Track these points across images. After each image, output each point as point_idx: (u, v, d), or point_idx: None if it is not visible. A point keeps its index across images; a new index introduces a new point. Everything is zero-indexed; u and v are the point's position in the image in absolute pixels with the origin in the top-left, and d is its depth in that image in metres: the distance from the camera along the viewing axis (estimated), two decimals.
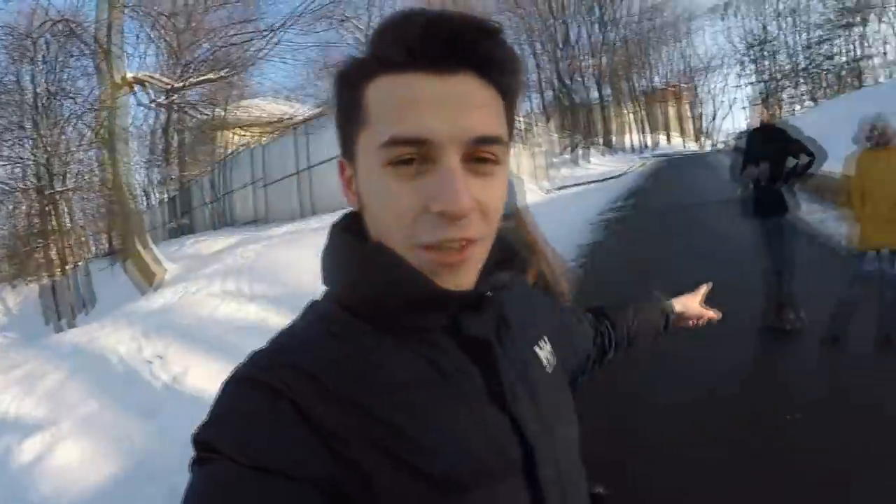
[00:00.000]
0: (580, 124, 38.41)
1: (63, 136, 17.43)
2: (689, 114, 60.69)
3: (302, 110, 19.30)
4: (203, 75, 13.19)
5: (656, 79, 54.79)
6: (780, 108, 44.38)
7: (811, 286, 5.47)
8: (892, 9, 36.36)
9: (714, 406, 3.81)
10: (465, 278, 0.61)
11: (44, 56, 15.89)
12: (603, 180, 23.50)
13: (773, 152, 5.06)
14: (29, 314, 19.91)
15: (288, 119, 17.35)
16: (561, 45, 40.68)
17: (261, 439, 0.51)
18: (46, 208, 18.08)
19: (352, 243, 0.63)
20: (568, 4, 40.76)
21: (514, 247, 0.73)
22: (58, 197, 18.11)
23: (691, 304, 1.30)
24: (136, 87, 11.41)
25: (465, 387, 0.61)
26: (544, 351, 0.78)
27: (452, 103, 0.57)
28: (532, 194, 17.92)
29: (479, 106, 0.58)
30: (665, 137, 54.69)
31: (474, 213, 0.57)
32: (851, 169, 4.76)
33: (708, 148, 34.07)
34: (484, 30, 0.58)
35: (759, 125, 5.26)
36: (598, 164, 33.94)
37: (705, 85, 58.76)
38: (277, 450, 0.50)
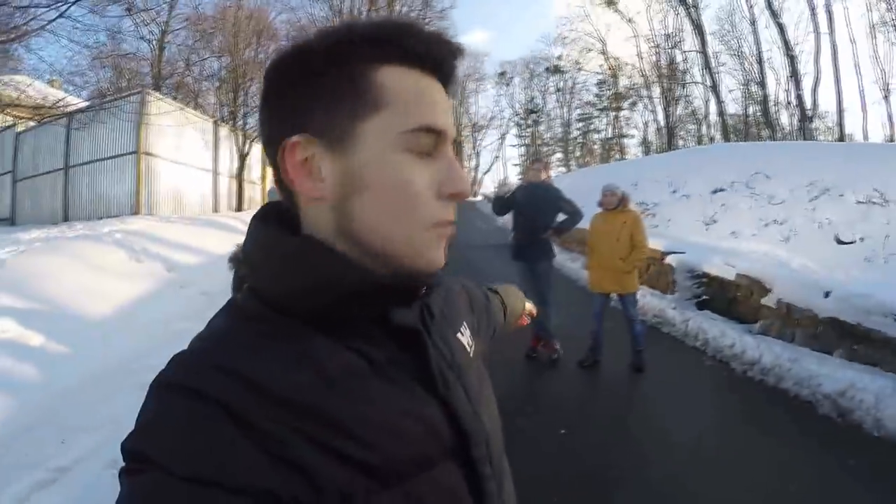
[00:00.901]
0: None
1: None
2: (461, 165, 65.01)
3: (72, 100, 17.07)
4: None
5: None
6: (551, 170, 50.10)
7: (572, 322, 6.64)
8: (645, 100, 43.15)
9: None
10: (444, 253, 0.68)
11: None
12: None
13: (542, 206, 5.89)
14: None
15: (61, 105, 15.37)
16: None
17: (193, 448, 0.50)
18: None
19: (281, 236, 0.64)
20: None
21: None
22: None
23: (510, 315, 1.41)
24: None
25: (398, 376, 0.64)
26: (465, 337, 0.82)
27: (449, 107, 0.67)
28: None
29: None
30: None
31: None
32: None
33: (479, 197, 36.89)
34: (459, 51, 0.69)
35: (534, 181, 6.03)
36: None
37: (480, 141, 63.48)
38: (211, 459, 0.50)
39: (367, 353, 0.62)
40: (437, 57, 0.66)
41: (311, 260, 0.61)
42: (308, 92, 0.63)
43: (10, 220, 15.68)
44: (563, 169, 50.24)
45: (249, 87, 23.46)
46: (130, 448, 0.52)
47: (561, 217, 6.03)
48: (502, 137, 61.90)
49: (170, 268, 8.72)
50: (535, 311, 1.59)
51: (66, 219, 13.88)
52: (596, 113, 50.45)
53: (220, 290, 6.73)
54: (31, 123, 15.54)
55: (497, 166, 61.35)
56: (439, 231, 0.66)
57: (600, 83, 48.95)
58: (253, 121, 22.23)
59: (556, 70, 52.51)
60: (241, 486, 0.49)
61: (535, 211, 5.89)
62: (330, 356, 0.59)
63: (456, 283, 0.98)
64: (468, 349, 0.81)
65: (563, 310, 6.49)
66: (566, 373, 5.71)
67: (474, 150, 64.44)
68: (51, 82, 20.15)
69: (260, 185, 22.45)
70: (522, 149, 56.95)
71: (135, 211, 12.90)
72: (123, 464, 0.52)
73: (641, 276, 6.90)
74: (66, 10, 11.13)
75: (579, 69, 50.19)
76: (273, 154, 0.65)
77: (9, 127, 16.20)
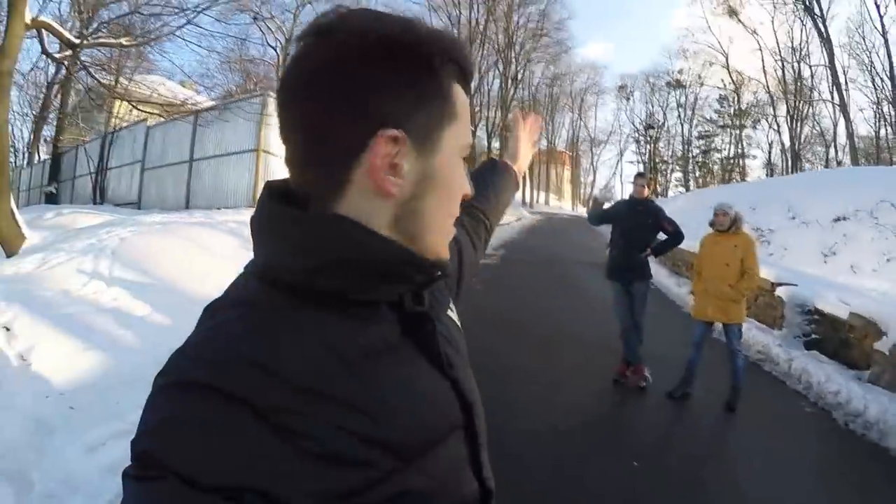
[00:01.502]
0: (469, 171, 39.34)
1: None
2: (578, 179, 64.07)
3: (200, 99, 18.39)
4: (108, 38, 12.59)
5: (551, 142, 57.56)
6: (657, 188, 48.42)
7: (668, 349, 6.35)
8: (770, 118, 40.54)
9: (565, 449, 4.23)
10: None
11: None
12: None
13: (641, 223, 5.61)
14: None
15: (190, 104, 16.37)
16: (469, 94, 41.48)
17: (217, 453, 0.48)
18: None
19: (302, 215, 0.62)
20: (480, 56, 42.00)
21: None
22: None
23: (521, 148, 1.42)
24: (38, 32, 10.70)
25: (410, 357, 0.67)
26: (454, 314, 0.86)
27: None
28: None
29: None
30: (549, 196, 57.36)
31: None
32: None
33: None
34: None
35: (636, 197, 5.76)
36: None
37: (598, 156, 62.40)
38: (238, 464, 0.48)
39: (383, 336, 0.64)
40: (471, 75, 0.72)
41: (348, 234, 0.60)
42: (404, 89, 0.62)
43: (137, 205, 16.89)
44: (681, 189, 48.55)
45: None
46: (145, 450, 0.50)
47: (662, 237, 5.79)
48: (621, 153, 60.52)
49: None
50: (532, 123, 1.47)
51: (187, 207, 14.68)
52: (717, 131, 48.36)
53: None
54: (161, 119, 16.79)
55: (615, 182, 60.07)
56: (452, 224, 0.73)
57: (722, 99, 46.91)
58: None
59: (677, 84, 50.97)
60: (271, 490, 0.48)
61: (633, 228, 5.64)
62: (349, 340, 0.60)
63: None
64: (458, 323, 0.85)
65: (658, 335, 6.21)
66: (653, 402, 5.40)
67: (592, 165, 63.60)
68: (182, 83, 21.64)
69: None
70: (640, 165, 55.32)
71: (251, 204, 13.44)
72: (131, 464, 0.50)
73: (749, 307, 6.45)
74: (193, 18, 11.96)
75: (701, 84, 48.57)
76: (342, 141, 0.61)
77: (140, 121, 17.51)
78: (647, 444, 4.47)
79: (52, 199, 20.92)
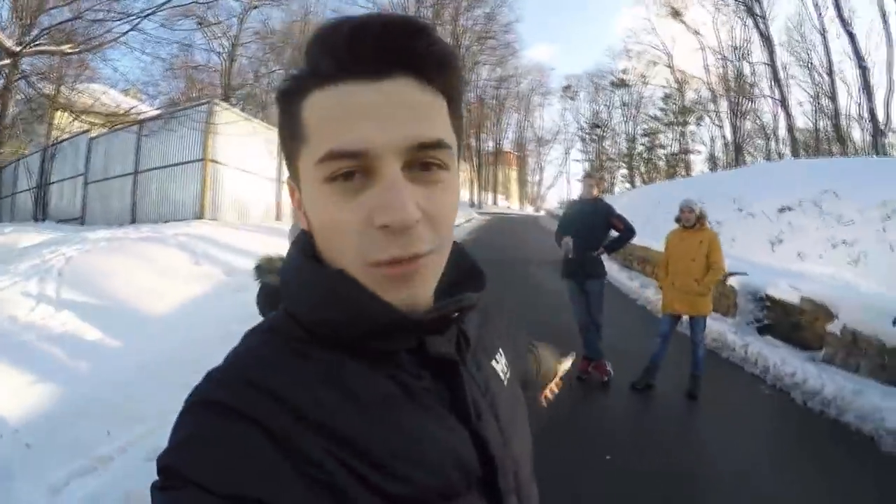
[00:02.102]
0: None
1: None
2: (526, 179, 64.84)
3: (144, 108, 17.92)
4: (52, 46, 12.20)
5: (497, 142, 58.14)
6: (604, 185, 49.40)
7: (626, 342, 6.46)
8: (712, 115, 41.88)
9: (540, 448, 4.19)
10: (420, 290, 0.60)
11: None
12: None
13: (594, 222, 5.69)
14: None
15: (134, 113, 15.95)
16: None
17: (233, 466, 0.50)
18: None
19: (312, 267, 0.61)
20: None
21: (475, 262, 0.73)
22: None
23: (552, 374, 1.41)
24: None
25: (431, 406, 0.62)
26: (500, 364, 0.77)
27: (389, 110, 0.55)
28: None
29: (418, 109, 0.57)
30: (497, 196, 58.01)
31: (422, 224, 0.57)
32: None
33: (541, 213, 36.73)
34: (414, 28, 0.57)
35: (587, 197, 5.85)
36: None
37: (545, 155, 63.22)
38: (251, 477, 0.49)
39: (401, 381, 0.61)
40: (361, 57, 0.56)
41: (342, 295, 0.58)
42: (281, 135, 0.64)
43: (81, 220, 16.31)
44: (626, 185, 49.43)
45: None
46: (167, 465, 0.51)
47: (613, 234, 5.87)
48: (567, 152, 61.44)
49: (228, 272, 8.86)
50: (569, 372, 1.54)
51: (133, 221, 14.28)
52: (661, 128, 49.13)
53: None
54: (104, 129, 16.32)
55: (561, 181, 60.91)
56: (382, 271, 0.57)
57: (666, 97, 47.60)
58: None
59: (622, 84, 51.69)
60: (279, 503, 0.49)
61: (585, 228, 5.68)
62: (365, 383, 0.58)
63: (500, 313, 0.91)
64: (502, 376, 0.76)
65: (616, 329, 6.30)
66: (617, 396, 5.50)
67: (538, 164, 64.28)
68: (126, 92, 21.12)
69: None
70: (587, 164, 56.13)
71: (199, 216, 13.24)
72: (157, 479, 0.52)
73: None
74: (137, 24, 11.70)
75: (645, 83, 49.44)
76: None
77: (83, 132, 16.96)
78: (617, 437, 4.56)
79: None
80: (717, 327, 7.60)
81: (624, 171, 53.49)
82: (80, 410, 4.14)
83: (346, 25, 0.55)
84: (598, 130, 55.06)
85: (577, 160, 59.97)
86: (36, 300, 6.27)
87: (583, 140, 58.26)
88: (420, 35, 0.57)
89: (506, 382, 0.76)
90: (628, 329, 6.93)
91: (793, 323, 6.98)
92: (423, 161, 0.57)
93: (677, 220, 5.55)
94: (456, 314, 0.65)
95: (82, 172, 16.81)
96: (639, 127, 51.75)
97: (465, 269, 0.71)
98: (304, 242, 0.66)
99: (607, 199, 8.83)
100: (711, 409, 5.24)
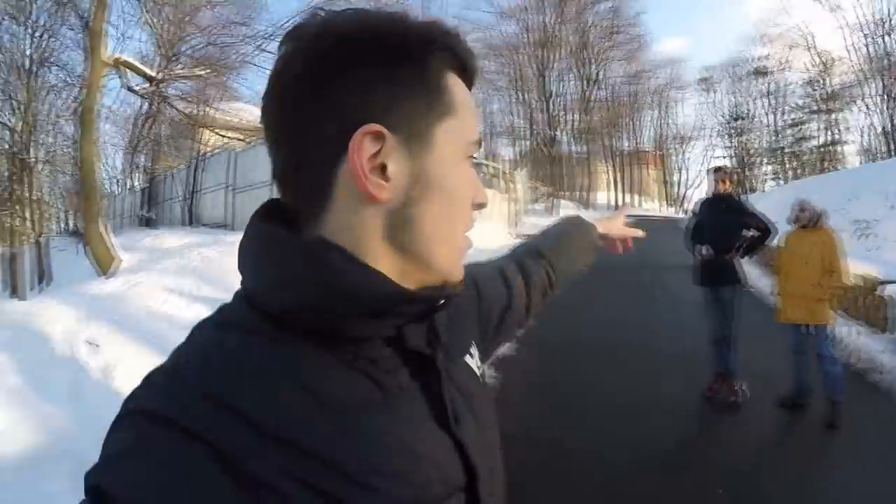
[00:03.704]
0: (557, 176, 38.98)
1: (43, 106, 17.32)
2: (666, 178, 62.00)
3: None
4: (187, 71, 13.24)
5: (636, 141, 56.04)
6: (748, 183, 46.39)
7: (766, 360, 5.73)
8: (868, 99, 37.42)
9: (648, 476, 3.90)
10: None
11: (33, 21, 15.74)
12: None
13: (725, 222, 5.17)
14: None
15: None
16: (547, 97, 41.58)
17: (170, 492, 0.44)
18: (13, 175, 17.71)
19: (289, 238, 0.55)
20: (556, 58, 41.61)
21: None
22: (33, 165, 17.87)
23: (614, 226, 1.30)
24: (120, 70, 11.37)
25: (409, 408, 0.58)
26: (475, 359, 0.76)
27: None
28: (504, 237, 18.07)
29: None
30: (641, 199, 55.86)
31: None
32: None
33: (683, 214, 34.81)
34: None
35: (715, 194, 5.32)
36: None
37: (686, 153, 60.15)
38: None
39: (378, 380, 0.56)
40: (474, 68, 0.64)
41: (331, 267, 0.53)
42: (383, 83, 0.55)
43: (230, 226, 17.50)
44: (772, 183, 46.09)
45: None
46: (95, 484, 0.46)
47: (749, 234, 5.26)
48: (708, 149, 57.92)
49: None
50: (638, 234, 1.37)
51: None
52: (807, 117, 44.95)
53: None
54: (247, 143, 17.56)
55: (705, 180, 57.47)
56: (468, 240, 0.64)
57: (809, 82, 43.55)
58: None
59: (761, 72, 47.86)
60: None
61: (717, 229, 5.18)
62: (337, 384, 0.53)
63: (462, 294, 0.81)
64: (477, 371, 0.75)
65: (756, 345, 5.74)
66: (745, 421, 4.87)
67: (679, 163, 61.32)
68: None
69: None
70: (730, 160, 51.82)
71: None
72: (85, 499, 0.46)
73: (846, 307, 5.84)
74: (261, 45, 12.55)
75: (786, 69, 45.60)
76: (321, 145, 0.55)
77: (227, 147, 18.39)
78: (735, 469, 4.01)
79: (148, 222, 22.07)
80: (868, 344, 6.66)
81: (770, 167, 49.92)
82: None
83: (458, 33, 0.62)
84: (740, 123, 51.50)
85: (720, 157, 56.09)
86: (173, 294, 6.72)
87: (724, 135, 54.68)
88: None
89: (480, 379, 0.75)
90: (769, 345, 5.94)
91: None
92: None
93: (793, 220, 5.08)
94: (441, 302, 0.61)
95: (229, 183, 18.12)
96: (783, 118, 47.91)
97: None
98: (271, 210, 0.61)
99: (754, 198, 8.15)
100: (853, 445, 4.39)
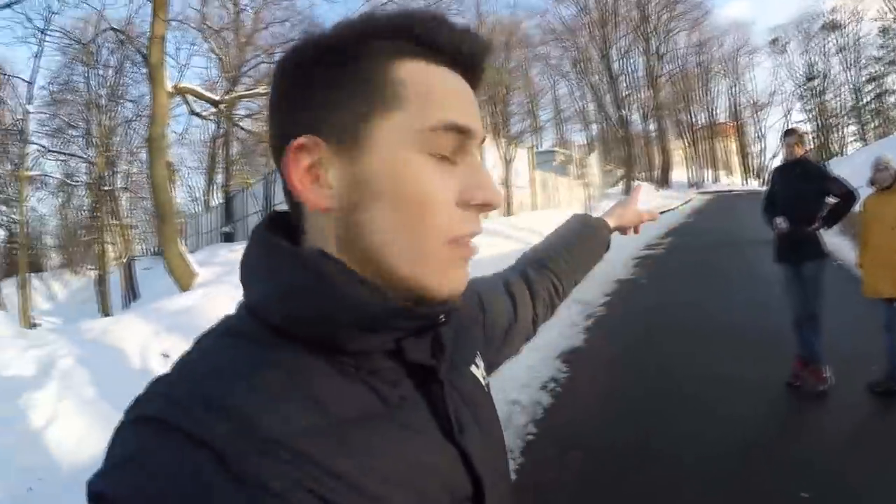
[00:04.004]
0: (631, 157, 38.10)
1: (117, 138, 18.47)
2: (746, 150, 59.48)
3: None
4: (247, 90, 13.75)
5: (710, 114, 53.97)
6: (830, 146, 43.86)
7: (855, 341, 5.34)
8: None
9: (722, 476, 3.55)
10: (468, 274, 0.61)
11: (102, 61, 16.84)
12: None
13: (802, 190, 4.69)
14: (74, 303, 20.84)
15: None
16: (613, 77, 40.80)
17: (174, 500, 0.43)
18: (96, 204, 18.92)
19: (288, 249, 0.55)
20: (617, 36, 40.72)
21: None
22: (117, 194, 19.06)
23: (628, 212, 1.26)
24: (185, 97, 11.93)
25: (412, 419, 0.57)
26: (480, 369, 0.75)
27: (476, 106, 0.60)
28: None
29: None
30: (718, 174, 53.86)
31: None
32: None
33: (766, 186, 33.06)
34: (492, 57, 0.66)
35: (789, 159, 4.83)
36: (646, 200, 33.07)
37: (763, 120, 57.55)
38: None
39: (379, 391, 0.55)
40: (465, 52, 0.59)
41: (326, 280, 0.52)
42: (318, 89, 0.55)
43: None
44: (857, 145, 43.32)
45: (507, 95, 25.05)
46: (98, 491, 0.45)
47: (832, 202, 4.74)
48: (786, 114, 55.14)
49: None
50: (652, 216, 1.30)
51: None
52: (885, 70, 41.87)
53: None
54: None
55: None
56: (461, 247, 0.57)
57: (884, 31, 40.77)
58: (514, 129, 23.20)
59: (833, 26, 45.33)
60: None
61: (795, 198, 4.67)
62: (340, 395, 0.52)
63: (466, 302, 0.78)
64: (483, 381, 0.74)
65: (844, 325, 5.34)
66: (833, 412, 4.36)
67: (757, 133, 58.78)
68: None
69: (529, 189, 23.06)
70: (809, 124, 48.73)
71: None
72: None
73: None
74: None
75: (859, 19, 42.98)
76: (278, 158, 0.57)
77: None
78: (822, 469, 3.51)
79: (228, 237, 23.03)
80: None
81: (853, 127, 47.03)
82: None
83: (464, 26, 0.59)
84: (815, 83, 48.69)
85: (800, 121, 53.23)
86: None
87: (801, 98, 51.88)
88: (489, 55, 0.62)
89: (486, 388, 0.74)
90: (858, 323, 5.55)
91: None
92: None
93: (871, 181, 4.61)
94: (442, 317, 0.59)
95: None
96: (861, 73, 45.01)
97: None
98: (273, 221, 0.61)
99: (837, 162, 7.50)
100: None
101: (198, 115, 13.72)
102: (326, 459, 0.48)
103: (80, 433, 4.01)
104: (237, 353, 0.52)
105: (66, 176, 20.69)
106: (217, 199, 26.91)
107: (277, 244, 0.55)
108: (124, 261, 19.23)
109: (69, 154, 19.34)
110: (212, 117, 14.40)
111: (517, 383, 5.13)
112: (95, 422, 4.14)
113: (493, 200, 0.57)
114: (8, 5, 12.81)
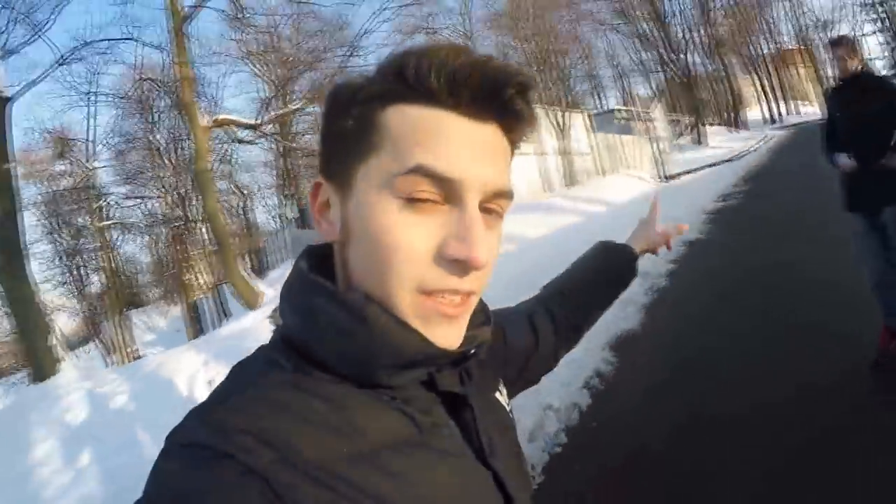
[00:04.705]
0: (698, 103, 36.50)
1: (186, 175, 19.56)
2: (819, 74, 55.42)
3: None
4: (283, 108, 14.22)
5: (776, 43, 50.43)
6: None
7: None
8: None
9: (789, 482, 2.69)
10: (458, 332, 0.58)
11: (154, 107, 17.93)
12: (718, 164, 21.43)
13: (863, 113, 3.55)
14: (171, 331, 22.19)
15: None
16: (662, 19, 39.06)
17: None
18: (173, 239, 20.11)
19: (332, 291, 0.56)
20: None
21: (482, 300, 0.68)
22: (194, 227, 20.14)
23: (651, 233, 1.22)
24: (221, 127, 12.45)
25: (446, 443, 0.59)
26: (503, 396, 0.77)
27: (480, 150, 0.55)
28: (645, 185, 17.31)
29: (498, 156, 0.58)
30: (797, 104, 50.73)
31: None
32: None
33: None
34: (523, 87, 0.57)
35: (843, 77, 3.67)
36: (720, 144, 30.96)
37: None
38: None
39: (414, 418, 0.57)
40: (465, 95, 0.55)
41: (368, 323, 0.53)
42: (326, 136, 0.61)
43: None
44: None
45: (557, 61, 24.62)
46: None
47: None
48: (855, 28, 50.32)
49: None
50: (677, 231, 1.23)
51: None
52: None
53: (519, 273, 6.79)
54: None
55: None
56: (437, 303, 0.55)
57: None
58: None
59: None
60: None
61: (857, 125, 3.56)
62: (377, 423, 0.54)
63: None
64: (507, 407, 0.77)
65: None
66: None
67: (829, 55, 54.28)
68: None
69: (591, 155, 21.69)
70: (882, 35, 42.20)
71: None
72: None
73: None
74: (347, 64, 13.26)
75: None
76: None
77: None
78: None
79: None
80: None
81: None
82: None
83: (466, 58, 0.54)
84: None
85: (871, 32, 48.38)
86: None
87: (869, 7, 47.15)
88: (524, 94, 0.57)
89: (511, 414, 0.77)
90: None
91: None
92: (488, 207, 0.57)
93: None
94: (473, 350, 0.62)
95: None
96: None
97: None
98: (313, 258, 0.63)
99: None
100: None
101: (241, 141, 14.28)
102: (368, 485, 0.49)
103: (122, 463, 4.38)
104: (277, 384, 0.53)
105: (148, 216, 22.15)
106: (291, 214, 27.76)
107: (321, 284, 0.56)
108: (214, 287, 20.21)
109: (142, 197, 20.81)
110: (259, 141, 14.93)
111: (557, 382, 4.29)
112: (143, 457, 4.45)
113: (468, 258, 0.53)
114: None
